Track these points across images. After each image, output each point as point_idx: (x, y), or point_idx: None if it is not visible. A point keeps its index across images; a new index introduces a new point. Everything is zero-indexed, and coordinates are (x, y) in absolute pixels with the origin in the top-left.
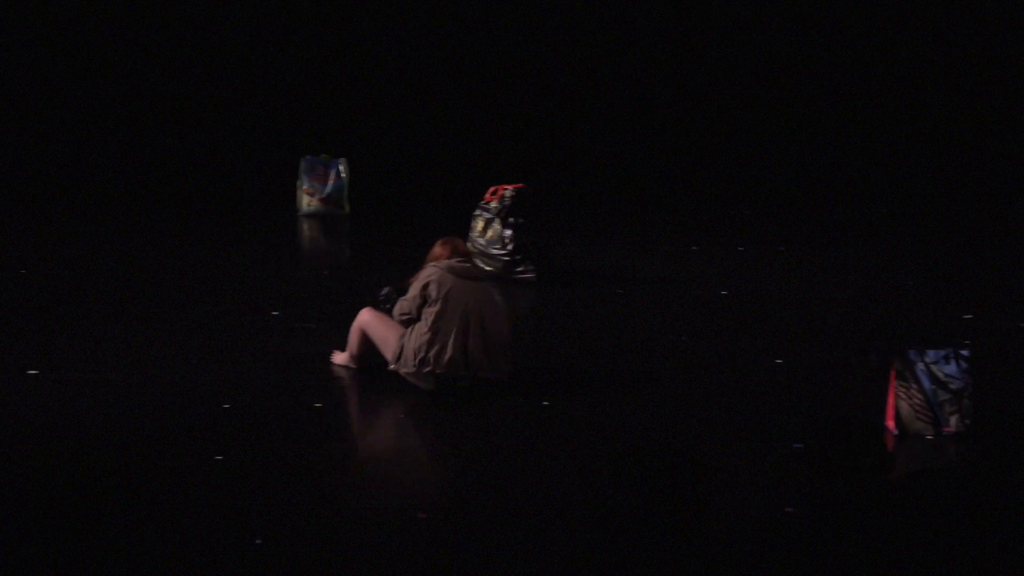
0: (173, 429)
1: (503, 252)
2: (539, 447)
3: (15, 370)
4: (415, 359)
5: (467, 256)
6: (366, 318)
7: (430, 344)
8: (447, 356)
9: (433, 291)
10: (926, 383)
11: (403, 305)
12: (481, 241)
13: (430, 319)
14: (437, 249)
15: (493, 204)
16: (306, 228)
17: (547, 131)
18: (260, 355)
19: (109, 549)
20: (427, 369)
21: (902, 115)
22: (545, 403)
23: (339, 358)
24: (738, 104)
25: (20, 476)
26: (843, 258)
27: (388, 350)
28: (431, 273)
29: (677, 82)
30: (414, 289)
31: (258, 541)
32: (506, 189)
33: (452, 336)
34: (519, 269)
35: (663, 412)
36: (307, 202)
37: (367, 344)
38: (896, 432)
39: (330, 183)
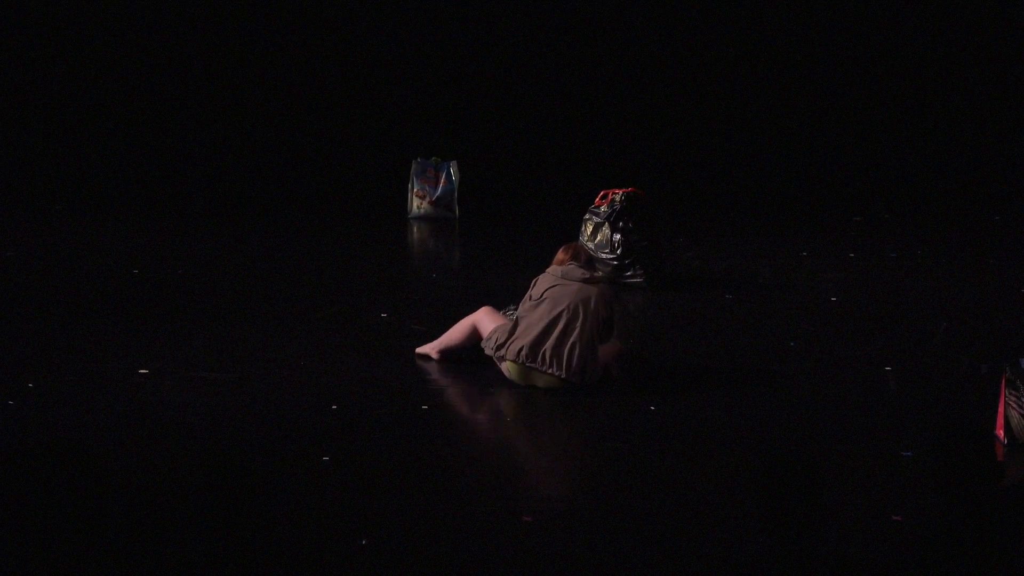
0: (281, 429)
1: (612, 256)
2: (645, 452)
3: (126, 369)
4: (495, 342)
5: (588, 262)
6: (481, 314)
7: (510, 332)
8: (518, 345)
9: (534, 290)
10: None
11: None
12: (590, 245)
13: (522, 309)
14: (559, 254)
15: (603, 208)
16: (416, 231)
17: (658, 136)
18: (368, 357)
19: (216, 547)
20: (500, 353)
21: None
22: (652, 408)
23: (423, 348)
24: (852, 110)
25: (131, 475)
26: (955, 265)
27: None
28: (541, 276)
29: (788, 88)
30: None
31: (363, 542)
32: (616, 193)
33: (532, 329)
34: (628, 273)
35: (770, 418)
36: (417, 204)
37: (470, 339)
38: (1006, 441)
39: (441, 186)
